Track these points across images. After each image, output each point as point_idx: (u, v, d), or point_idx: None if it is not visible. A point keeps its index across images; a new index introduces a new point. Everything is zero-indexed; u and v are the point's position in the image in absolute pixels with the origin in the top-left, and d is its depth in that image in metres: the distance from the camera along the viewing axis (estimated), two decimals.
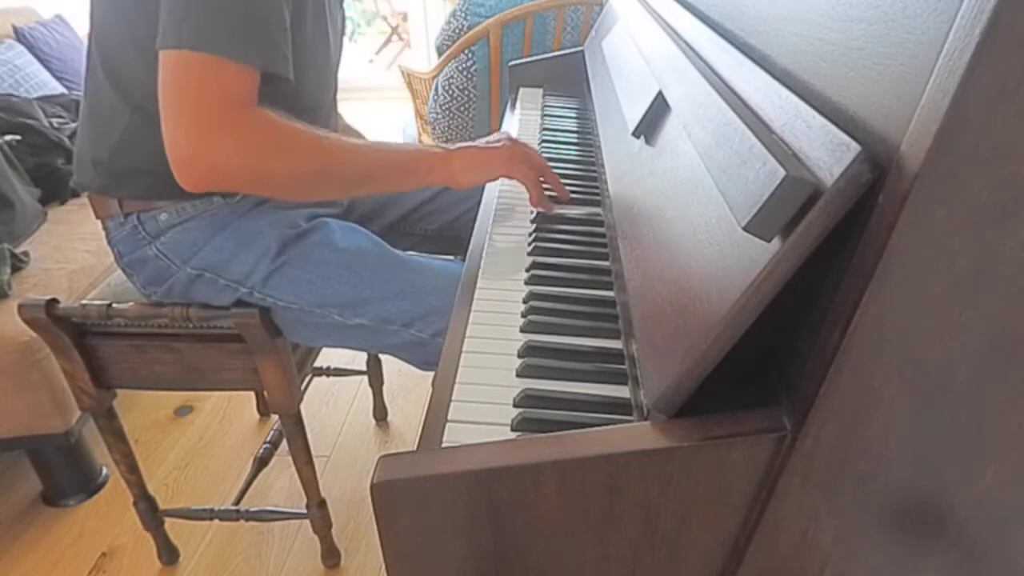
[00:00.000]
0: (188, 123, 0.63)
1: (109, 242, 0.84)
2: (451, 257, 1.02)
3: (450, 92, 1.73)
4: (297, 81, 0.71)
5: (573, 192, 0.87)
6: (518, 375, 0.54)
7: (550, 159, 0.98)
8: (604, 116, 0.90)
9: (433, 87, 1.79)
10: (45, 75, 1.86)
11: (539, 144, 1.03)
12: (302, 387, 0.98)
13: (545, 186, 0.82)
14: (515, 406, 0.51)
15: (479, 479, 0.40)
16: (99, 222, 0.84)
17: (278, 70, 0.67)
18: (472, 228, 0.80)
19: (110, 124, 0.75)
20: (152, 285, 0.84)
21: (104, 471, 1.32)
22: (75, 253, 1.29)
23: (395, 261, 0.83)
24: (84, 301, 0.85)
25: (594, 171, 0.94)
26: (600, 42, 1.09)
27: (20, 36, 1.90)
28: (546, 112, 1.17)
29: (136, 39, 0.69)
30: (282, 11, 0.66)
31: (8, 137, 1.42)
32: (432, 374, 0.59)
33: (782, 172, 0.33)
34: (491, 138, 0.82)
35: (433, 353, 0.78)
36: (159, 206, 0.80)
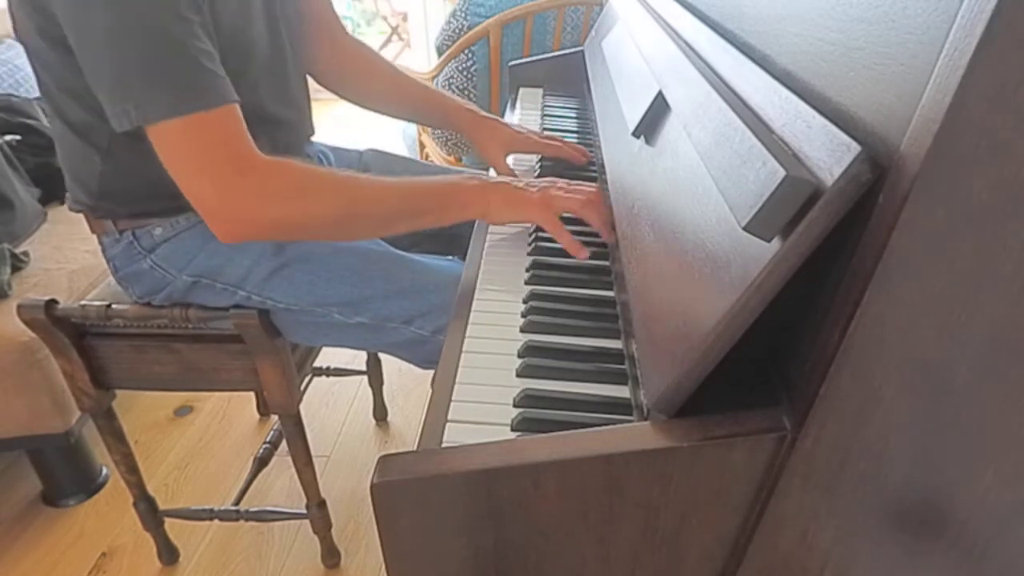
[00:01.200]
0: (204, 183, 0.64)
1: (105, 256, 0.84)
2: (450, 257, 1.02)
3: (450, 92, 1.73)
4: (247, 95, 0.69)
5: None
6: (518, 375, 0.54)
7: (549, 159, 0.98)
8: (604, 116, 0.90)
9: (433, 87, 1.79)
10: None
11: None
12: (302, 387, 0.98)
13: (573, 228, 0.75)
14: (515, 406, 0.51)
15: (479, 479, 0.40)
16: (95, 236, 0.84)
17: (232, 98, 0.65)
18: (471, 227, 0.80)
19: (86, 171, 0.76)
20: (148, 295, 0.84)
21: (104, 471, 1.32)
22: (75, 253, 1.29)
23: (395, 260, 0.83)
24: (84, 301, 0.85)
25: (594, 171, 0.94)
26: (600, 42, 1.09)
27: None
28: (546, 112, 1.17)
29: (88, 94, 0.67)
30: (194, 43, 0.62)
31: (8, 137, 1.42)
32: (432, 374, 0.59)
33: (782, 172, 0.33)
34: (531, 180, 0.77)
35: (433, 351, 0.78)
36: (153, 222, 0.80)
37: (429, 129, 1.87)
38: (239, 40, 0.72)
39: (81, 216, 0.82)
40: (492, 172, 0.97)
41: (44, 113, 1.59)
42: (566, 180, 0.76)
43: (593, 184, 0.78)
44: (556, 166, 0.96)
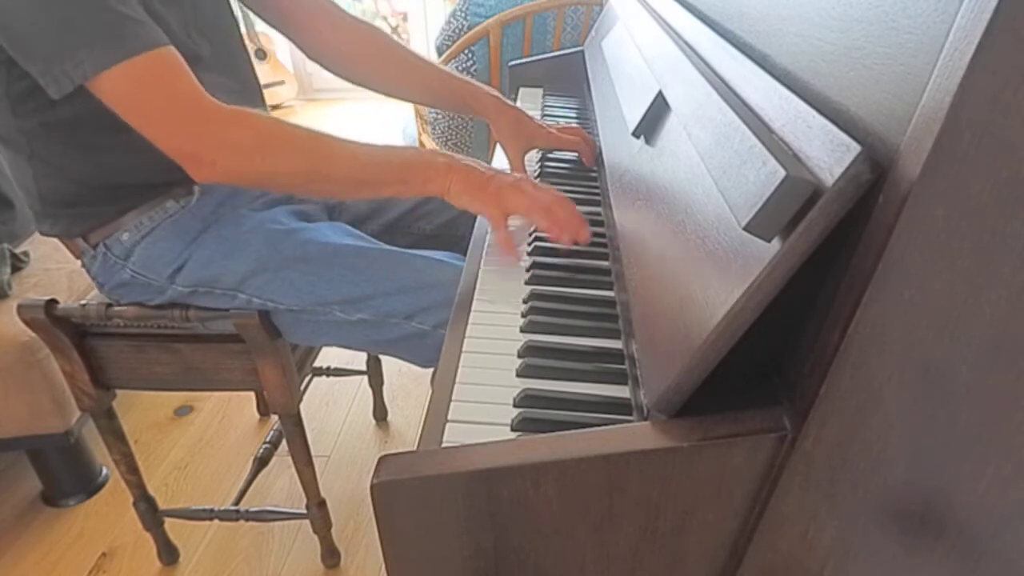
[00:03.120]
0: (166, 128, 0.65)
1: (91, 276, 0.85)
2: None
3: None
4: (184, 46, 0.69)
5: (573, 192, 0.86)
6: (518, 375, 0.54)
7: (550, 159, 0.98)
8: (604, 116, 0.90)
9: None
10: None
11: None
12: (302, 387, 0.98)
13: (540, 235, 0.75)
14: (515, 406, 0.51)
15: (479, 479, 0.40)
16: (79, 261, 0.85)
17: (162, 40, 0.66)
18: (471, 227, 0.80)
19: (20, 178, 0.77)
20: None
21: (104, 471, 1.32)
22: None
23: (395, 258, 0.83)
24: (83, 301, 0.85)
25: (594, 171, 0.94)
26: (600, 42, 1.09)
27: None
28: (546, 112, 1.17)
29: None
30: None
31: None
32: (432, 373, 0.59)
33: (782, 172, 0.33)
34: (501, 171, 0.75)
35: (434, 348, 0.78)
36: (119, 225, 0.80)
37: (429, 128, 1.86)
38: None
39: None
40: (493, 164, 0.97)
41: None
42: (533, 183, 0.74)
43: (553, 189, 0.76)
44: (559, 165, 0.96)
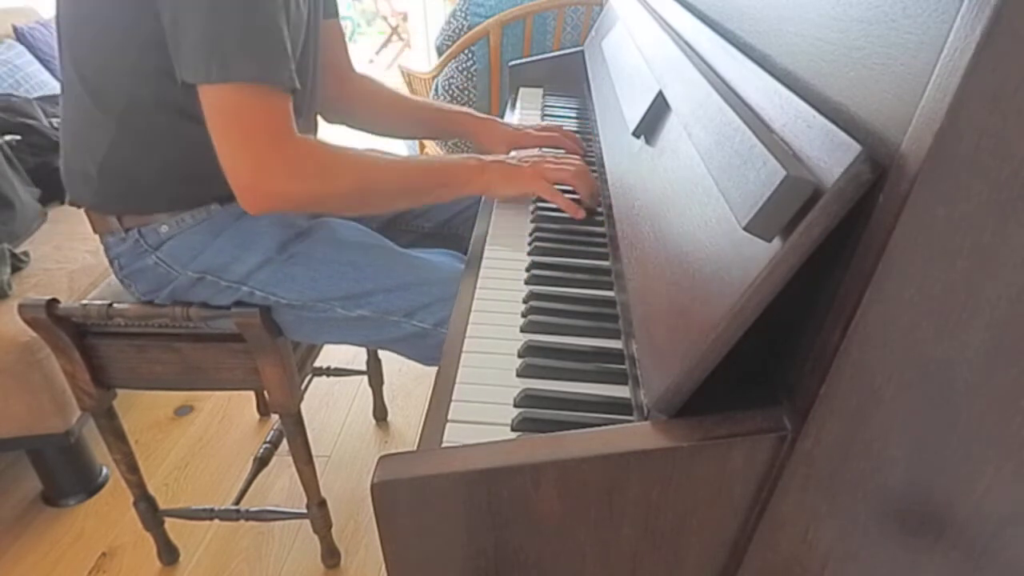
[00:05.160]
0: (245, 155, 0.67)
1: (108, 256, 0.84)
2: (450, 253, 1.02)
3: (450, 92, 1.73)
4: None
5: (573, 192, 0.87)
6: (518, 375, 0.54)
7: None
8: (604, 116, 0.90)
9: (433, 87, 1.79)
10: (45, 75, 1.85)
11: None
12: (302, 387, 0.98)
13: (574, 196, 0.81)
14: (515, 406, 0.51)
15: (479, 479, 0.40)
16: (97, 236, 0.84)
17: (296, 86, 0.70)
18: (470, 225, 0.81)
19: (94, 139, 0.75)
20: (152, 292, 0.84)
21: (104, 471, 1.32)
22: (75, 253, 1.29)
23: (397, 256, 0.84)
24: (84, 301, 0.85)
25: (594, 171, 0.94)
26: (600, 42, 1.09)
27: (20, 36, 1.90)
28: (546, 112, 1.17)
29: (120, 54, 0.70)
30: (283, 28, 0.67)
31: (8, 137, 1.42)
32: (433, 373, 0.59)
33: (782, 172, 0.33)
34: (523, 154, 0.84)
35: (435, 346, 0.78)
36: (158, 218, 0.80)
37: None
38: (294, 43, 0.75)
39: (81, 217, 0.82)
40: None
41: (44, 113, 1.59)
42: (553, 155, 0.83)
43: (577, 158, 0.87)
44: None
